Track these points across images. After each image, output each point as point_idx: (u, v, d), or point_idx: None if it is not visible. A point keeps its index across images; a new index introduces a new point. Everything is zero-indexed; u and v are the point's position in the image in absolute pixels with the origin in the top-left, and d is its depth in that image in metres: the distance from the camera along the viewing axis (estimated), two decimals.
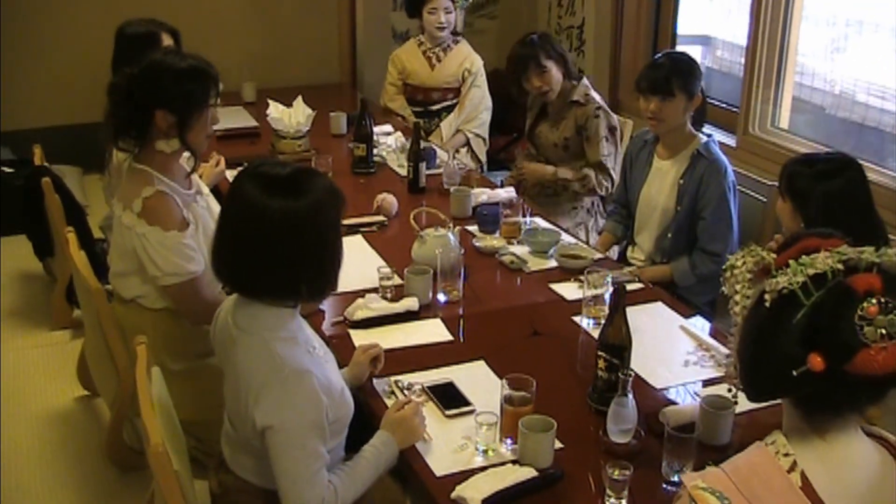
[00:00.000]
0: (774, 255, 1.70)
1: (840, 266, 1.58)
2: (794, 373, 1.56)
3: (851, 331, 1.53)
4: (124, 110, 3.05)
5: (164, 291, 3.14)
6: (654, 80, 3.80)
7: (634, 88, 3.94)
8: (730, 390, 1.90)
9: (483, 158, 5.53)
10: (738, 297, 1.75)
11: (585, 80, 4.74)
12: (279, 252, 2.26)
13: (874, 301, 1.53)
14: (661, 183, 3.94)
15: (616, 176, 4.53)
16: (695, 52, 6.10)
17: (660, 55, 4.03)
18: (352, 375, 2.71)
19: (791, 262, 1.62)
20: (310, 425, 2.25)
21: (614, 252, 4.37)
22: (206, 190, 3.41)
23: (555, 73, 4.62)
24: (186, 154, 3.18)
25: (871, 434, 1.70)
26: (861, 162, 4.40)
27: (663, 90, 3.78)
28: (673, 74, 3.79)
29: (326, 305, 3.24)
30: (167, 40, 4.23)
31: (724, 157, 3.83)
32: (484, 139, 5.54)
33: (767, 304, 1.61)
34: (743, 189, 3.94)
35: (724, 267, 1.81)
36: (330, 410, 2.30)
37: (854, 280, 1.56)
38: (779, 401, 1.71)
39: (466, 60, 5.54)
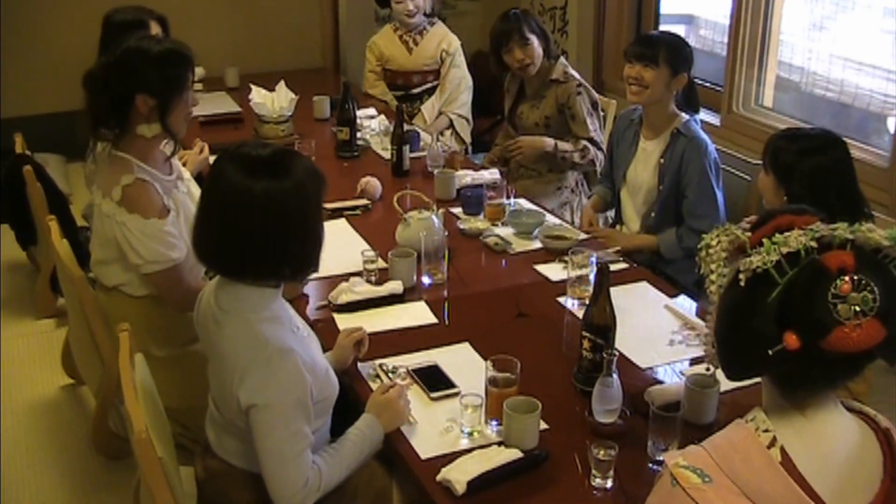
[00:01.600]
0: (749, 234, 1.69)
1: (813, 244, 1.58)
2: (770, 352, 1.55)
3: (825, 309, 1.52)
4: (103, 99, 3.03)
5: (146, 279, 3.13)
6: (640, 46, 3.83)
7: (623, 57, 3.94)
8: (708, 369, 1.90)
9: (468, 140, 5.52)
10: (713, 277, 1.75)
11: (563, 59, 4.73)
12: (263, 233, 2.26)
13: (847, 278, 1.53)
14: (646, 163, 3.93)
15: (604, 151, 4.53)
16: (678, 31, 6.06)
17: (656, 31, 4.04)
18: (336, 359, 2.71)
19: (765, 240, 1.61)
20: (294, 404, 2.25)
21: (601, 220, 4.42)
22: (187, 175, 3.40)
23: (537, 46, 4.60)
24: (165, 140, 3.17)
25: (851, 409, 1.71)
26: (844, 139, 4.46)
27: (648, 57, 3.78)
28: (660, 44, 3.81)
29: (311, 290, 3.24)
30: (155, 28, 4.21)
31: (704, 135, 3.82)
32: (467, 119, 5.52)
33: (742, 284, 1.61)
34: (728, 168, 3.93)
35: (699, 246, 1.80)
36: (315, 389, 2.31)
37: (827, 258, 1.56)
38: (758, 379, 1.70)
39: (443, 41, 5.51)
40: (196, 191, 3.33)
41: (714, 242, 1.76)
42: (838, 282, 1.53)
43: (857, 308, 1.52)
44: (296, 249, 2.33)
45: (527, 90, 4.79)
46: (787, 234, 1.61)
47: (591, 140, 4.53)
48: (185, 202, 3.19)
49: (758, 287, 1.59)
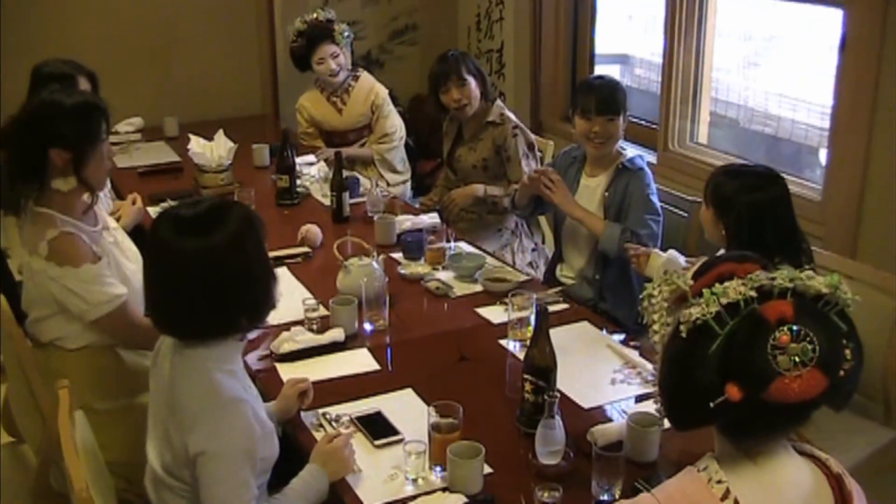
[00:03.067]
0: (690, 283, 1.70)
1: (753, 293, 1.59)
2: (712, 403, 1.56)
3: (765, 360, 1.54)
4: (18, 154, 3.01)
5: (95, 326, 3.09)
6: (600, 101, 3.84)
7: (570, 111, 3.97)
8: (658, 412, 1.91)
9: (390, 182, 5.49)
10: (656, 327, 1.75)
11: (500, 101, 4.77)
12: (205, 291, 2.25)
13: (786, 329, 1.54)
14: (590, 199, 3.96)
15: None
16: (613, 70, 6.18)
17: (590, 78, 4.11)
18: (279, 409, 2.70)
19: (705, 291, 1.62)
20: (243, 454, 2.24)
21: (540, 255, 4.54)
22: (112, 224, 3.36)
23: (474, 87, 4.64)
24: (86, 192, 3.14)
25: (802, 452, 1.71)
26: (780, 172, 4.53)
27: (611, 110, 3.83)
28: (615, 94, 3.87)
29: (253, 340, 3.22)
30: (84, 84, 4.17)
31: (647, 169, 3.89)
32: (390, 165, 5.51)
33: (683, 335, 1.62)
34: (665, 205, 3.97)
35: (641, 296, 1.81)
36: (261, 444, 2.29)
37: (766, 308, 1.57)
38: None
39: (370, 94, 5.48)
40: (123, 239, 3.32)
41: (656, 292, 1.76)
42: (777, 333, 1.54)
43: (797, 359, 1.53)
44: (246, 299, 2.33)
45: (464, 133, 4.82)
46: (726, 284, 1.61)
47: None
48: (112, 251, 3.16)
49: (699, 338, 1.60)
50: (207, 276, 2.24)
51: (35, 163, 3.01)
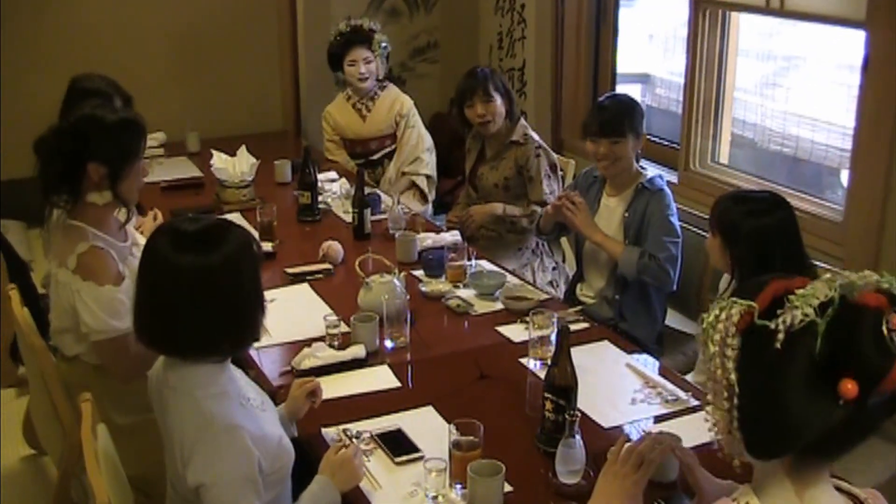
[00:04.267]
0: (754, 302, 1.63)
1: (838, 293, 1.53)
2: (840, 401, 1.50)
3: (879, 345, 1.49)
4: (55, 165, 3.04)
5: (93, 347, 3.11)
6: (604, 123, 3.85)
7: (581, 133, 3.98)
8: (717, 442, 1.80)
9: (431, 198, 5.51)
10: (728, 351, 1.61)
11: (523, 121, 4.78)
12: (194, 309, 2.24)
13: (890, 313, 1.50)
14: (609, 219, 3.97)
15: None
16: (634, 90, 6.20)
17: (603, 98, 4.09)
18: (288, 410, 2.70)
19: (791, 297, 1.56)
20: (242, 481, 2.23)
21: (560, 274, 4.53)
22: (141, 241, 3.38)
23: (499, 105, 4.65)
24: (119, 208, 3.17)
25: (840, 489, 1.68)
26: (799, 194, 4.53)
27: (614, 132, 3.83)
28: (621, 116, 3.86)
29: (275, 355, 3.24)
30: (118, 103, 4.22)
31: (667, 189, 3.89)
32: (428, 177, 5.52)
33: (779, 345, 1.53)
34: (686, 225, 3.97)
35: (702, 326, 1.69)
36: (265, 462, 2.29)
37: (863, 297, 1.52)
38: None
39: (396, 104, 5.54)
40: None
41: (722, 316, 1.64)
42: (890, 316, 1.50)
43: None
44: (231, 324, 2.31)
45: (487, 151, 4.83)
46: (811, 286, 1.55)
47: (542, 204, 4.55)
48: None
49: (797, 343, 1.53)
50: (198, 294, 2.24)
51: (72, 174, 3.05)
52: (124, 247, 3.18)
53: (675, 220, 3.84)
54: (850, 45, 4.24)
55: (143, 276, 2.33)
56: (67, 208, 3.09)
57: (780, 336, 1.53)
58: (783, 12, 4.46)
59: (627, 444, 2.16)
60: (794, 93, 5.04)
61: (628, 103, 3.95)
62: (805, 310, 1.52)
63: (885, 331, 1.49)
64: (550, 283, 4.70)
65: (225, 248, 2.26)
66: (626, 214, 3.89)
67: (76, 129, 3.06)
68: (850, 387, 1.48)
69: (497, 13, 6.58)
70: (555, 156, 4.76)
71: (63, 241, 3.08)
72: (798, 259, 3.00)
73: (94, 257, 3.03)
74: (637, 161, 3.97)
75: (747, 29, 5.04)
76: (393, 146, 5.56)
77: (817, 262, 3.57)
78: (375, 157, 5.59)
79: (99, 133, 3.04)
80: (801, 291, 1.55)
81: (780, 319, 1.54)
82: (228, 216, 4.60)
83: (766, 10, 4.55)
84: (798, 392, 1.52)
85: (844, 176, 4.53)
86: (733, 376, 1.60)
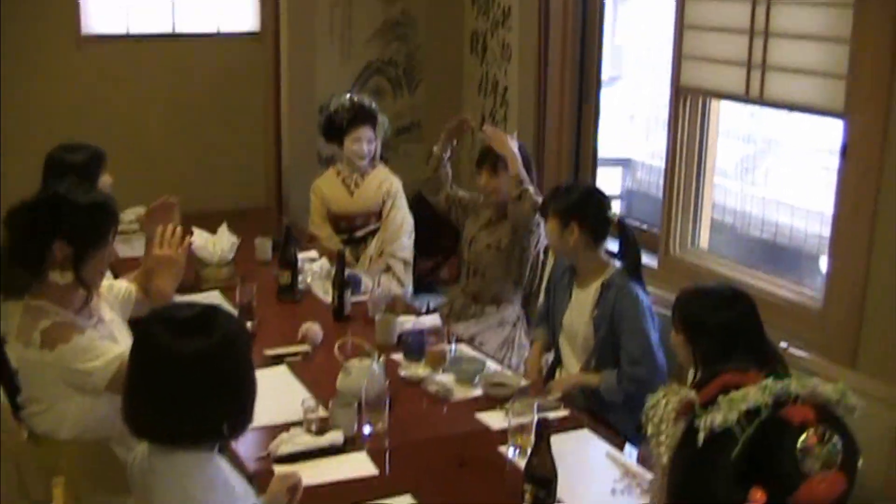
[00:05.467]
0: (695, 392, 1.70)
1: (770, 400, 1.59)
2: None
3: (792, 463, 1.53)
4: (22, 239, 3.03)
5: (108, 391, 3.03)
6: (544, 205, 4.08)
7: None
8: None
9: (406, 283, 5.51)
10: (662, 438, 1.74)
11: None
12: (199, 394, 2.25)
13: (812, 432, 1.54)
14: (580, 311, 3.98)
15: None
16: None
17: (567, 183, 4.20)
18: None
19: (721, 398, 1.62)
20: None
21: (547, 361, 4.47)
22: (108, 316, 3.35)
23: (504, 181, 4.71)
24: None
25: None
26: (779, 280, 4.55)
27: (542, 210, 4.06)
28: (549, 197, 4.05)
29: (251, 440, 3.20)
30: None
31: (634, 285, 3.87)
32: (405, 262, 5.52)
33: (700, 443, 1.60)
34: (665, 312, 3.96)
35: (645, 408, 1.81)
36: None
37: (789, 412, 1.57)
38: None
39: (385, 183, 5.57)
40: (118, 333, 3.31)
41: (663, 402, 1.76)
42: (805, 435, 1.54)
43: (824, 461, 1.53)
44: (233, 406, 2.32)
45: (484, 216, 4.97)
46: (743, 390, 1.61)
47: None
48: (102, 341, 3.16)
49: (718, 445, 1.59)
50: (202, 378, 2.25)
51: (37, 250, 3.02)
52: (88, 323, 3.15)
53: (647, 322, 3.82)
54: (829, 128, 4.29)
55: (140, 365, 2.32)
56: (27, 284, 3.07)
57: (701, 436, 1.60)
58: (763, 100, 4.51)
59: None
60: (773, 176, 5.09)
61: (562, 188, 4.13)
62: (728, 415, 1.58)
63: (801, 448, 1.53)
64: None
65: (222, 330, 2.28)
66: (595, 312, 3.90)
67: (48, 204, 3.06)
68: (758, 496, 1.53)
69: (480, 94, 6.65)
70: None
71: (25, 320, 3.05)
72: (762, 350, 3.00)
73: (56, 329, 3.00)
74: (633, 270, 3.96)
75: (728, 110, 5.10)
76: (378, 224, 5.57)
77: (795, 351, 3.59)
78: (359, 233, 5.59)
79: (70, 212, 3.03)
80: (732, 395, 1.62)
81: (703, 420, 1.61)
82: (208, 294, 4.62)
83: (746, 99, 4.60)
84: (711, 490, 1.58)
85: (823, 262, 4.56)
86: (665, 459, 1.72)
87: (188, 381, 2.24)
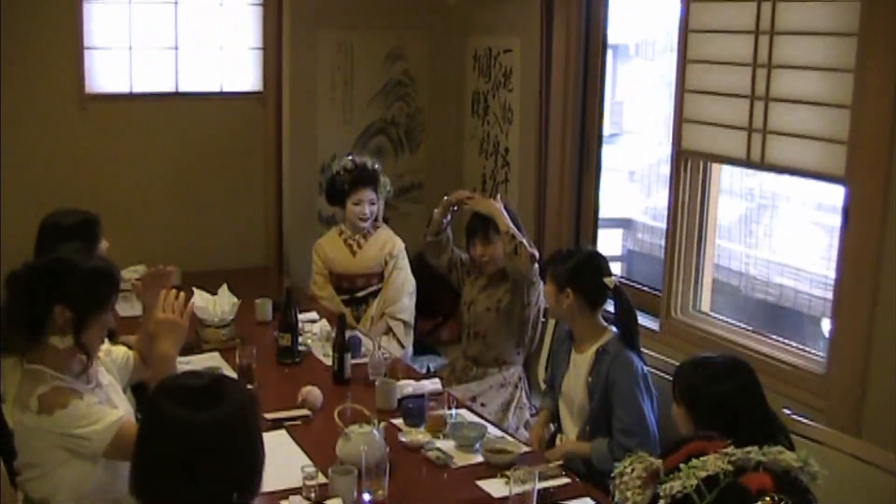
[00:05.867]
0: (661, 461, 1.72)
1: (729, 467, 1.61)
2: None
3: None
4: (22, 302, 3.03)
5: (108, 456, 3.03)
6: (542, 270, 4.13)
7: None
8: None
9: (406, 344, 5.50)
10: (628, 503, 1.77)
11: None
12: (210, 463, 2.24)
13: (768, 499, 1.55)
14: (577, 377, 3.98)
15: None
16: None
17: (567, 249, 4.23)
18: None
19: (682, 465, 1.64)
20: None
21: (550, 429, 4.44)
22: (106, 381, 3.33)
23: (498, 246, 4.75)
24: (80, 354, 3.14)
25: None
26: (782, 343, 4.53)
27: (543, 276, 4.08)
28: (547, 261, 4.08)
29: None
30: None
31: (629, 353, 3.86)
32: (405, 323, 5.52)
33: None
34: (665, 377, 3.94)
35: (612, 475, 1.83)
36: None
37: (746, 479, 1.60)
38: None
39: (388, 244, 5.58)
40: (116, 398, 3.29)
41: (628, 470, 1.78)
42: (760, 502, 1.55)
43: None
44: (244, 475, 2.31)
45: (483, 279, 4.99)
46: (703, 458, 1.64)
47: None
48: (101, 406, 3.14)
49: None
50: (214, 447, 2.23)
51: (37, 314, 3.03)
52: (87, 388, 3.14)
53: (640, 392, 3.80)
54: (831, 188, 4.29)
55: (150, 437, 2.31)
56: (26, 347, 3.06)
57: (661, 502, 1.65)
58: (763, 165, 4.52)
59: None
60: (775, 237, 5.09)
61: (561, 252, 4.16)
62: (687, 482, 1.62)
63: None
64: (527, 423, 4.68)
65: (234, 399, 2.29)
66: (590, 379, 3.89)
67: (50, 269, 3.06)
68: None
69: (481, 155, 6.66)
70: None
71: (23, 385, 3.05)
72: (764, 421, 2.98)
73: (54, 394, 2.99)
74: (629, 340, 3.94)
75: (729, 169, 5.11)
76: (379, 285, 5.57)
77: (797, 417, 3.57)
78: (361, 293, 5.59)
79: (72, 277, 3.04)
80: (692, 462, 1.66)
81: (664, 487, 1.65)
82: (207, 355, 4.60)
83: (747, 163, 4.61)
84: None
85: (826, 326, 4.55)
86: None
87: (201, 452, 2.22)
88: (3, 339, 3.10)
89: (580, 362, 3.97)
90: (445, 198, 5.10)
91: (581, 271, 3.95)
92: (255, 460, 2.34)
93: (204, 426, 2.22)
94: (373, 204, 5.50)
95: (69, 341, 3.06)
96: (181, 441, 2.24)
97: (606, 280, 3.93)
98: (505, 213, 4.70)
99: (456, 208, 5.09)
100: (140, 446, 2.33)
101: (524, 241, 4.62)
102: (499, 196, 4.92)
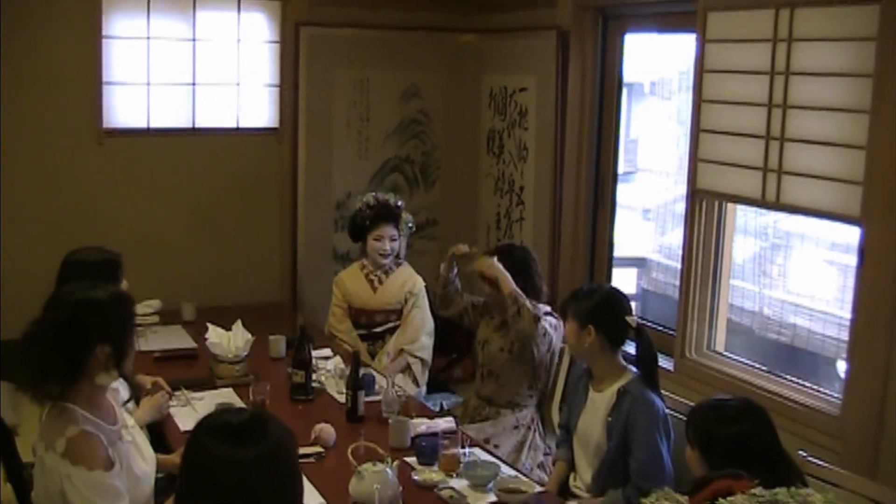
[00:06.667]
0: (687, 498, 1.71)
1: None
2: None
3: None
4: (54, 357, 2.99)
5: None
6: (562, 305, 4.12)
7: None
8: None
9: (422, 382, 5.50)
10: None
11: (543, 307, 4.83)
12: (255, 500, 2.23)
13: None
14: (594, 416, 3.94)
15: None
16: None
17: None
18: None
19: None
20: None
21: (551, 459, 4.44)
22: (130, 422, 3.34)
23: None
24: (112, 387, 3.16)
25: None
26: (797, 384, 4.51)
27: (562, 311, 4.06)
28: (569, 299, 4.07)
29: None
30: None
31: (651, 394, 3.83)
32: (423, 361, 5.51)
33: None
34: (681, 417, 3.92)
35: None
36: None
37: None
38: None
39: (409, 282, 5.59)
40: (140, 439, 3.29)
41: None
42: None
43: None
44: None
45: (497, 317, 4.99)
46: (731, 498, 1.62)
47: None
48: (128, 455, 3.12)
49: None
50: (259, 483, 2.22)
51: (77, 362, 3.01)
52: (114, 430, 3.12)
53: (660, 435, 3.77)
54: (845, 227, 4.29)
55: (194, 476, 2.29)
56: (60, 396, 3.03)
57: None
58: (779, 205, 4.51)
59: None
60: (790, 276, 5.08)
61: (584, 290, 4.11)
62: None
63: None
64: (540, 464, 4.65)
65: (274, 435, 2.27)
66: (610, 419, 3.87)
67: (75, 316, 3.03)
68: None
69: (496, 193, 6.69)
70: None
71: (51, 423, 3.02)
72: (779, 464, 2.95)
73: (83, 442, 2.97)
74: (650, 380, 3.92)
75: (743, 208, 5.10)
76: (397, 322, 5.57)
77: (812, 459, 3.54)
78: (378, 329, 5.59)
79: (101, 315, 3.04)
80: (719, 502, 1.64)
81: None
82: (221, 391, 4.60)
83: (762, 204, 4.61)
84: None
85: (841, 367, 4.53)
86: None
87: (244, 489, 2.21)
88: (36, 393, 3.06)
89: (598, 401, 3.95)
90: (451, 251, 5.12)
91: (603, 309, 3.94)
92: (295, 494, 2.33)
93: (247, 462, 2.21)
94: (394, 240, 5.51)
95: (115, 374, 3.08)
96: (224, 478, 2.22)
97: (629, 318, 3.92)
98: (507, 274, 4.70)
99: (456, 266, 5.12)
100: (182, 483, 2.32)
101: (527, 304, 4.62)
102: (495, 259, 4.85)
